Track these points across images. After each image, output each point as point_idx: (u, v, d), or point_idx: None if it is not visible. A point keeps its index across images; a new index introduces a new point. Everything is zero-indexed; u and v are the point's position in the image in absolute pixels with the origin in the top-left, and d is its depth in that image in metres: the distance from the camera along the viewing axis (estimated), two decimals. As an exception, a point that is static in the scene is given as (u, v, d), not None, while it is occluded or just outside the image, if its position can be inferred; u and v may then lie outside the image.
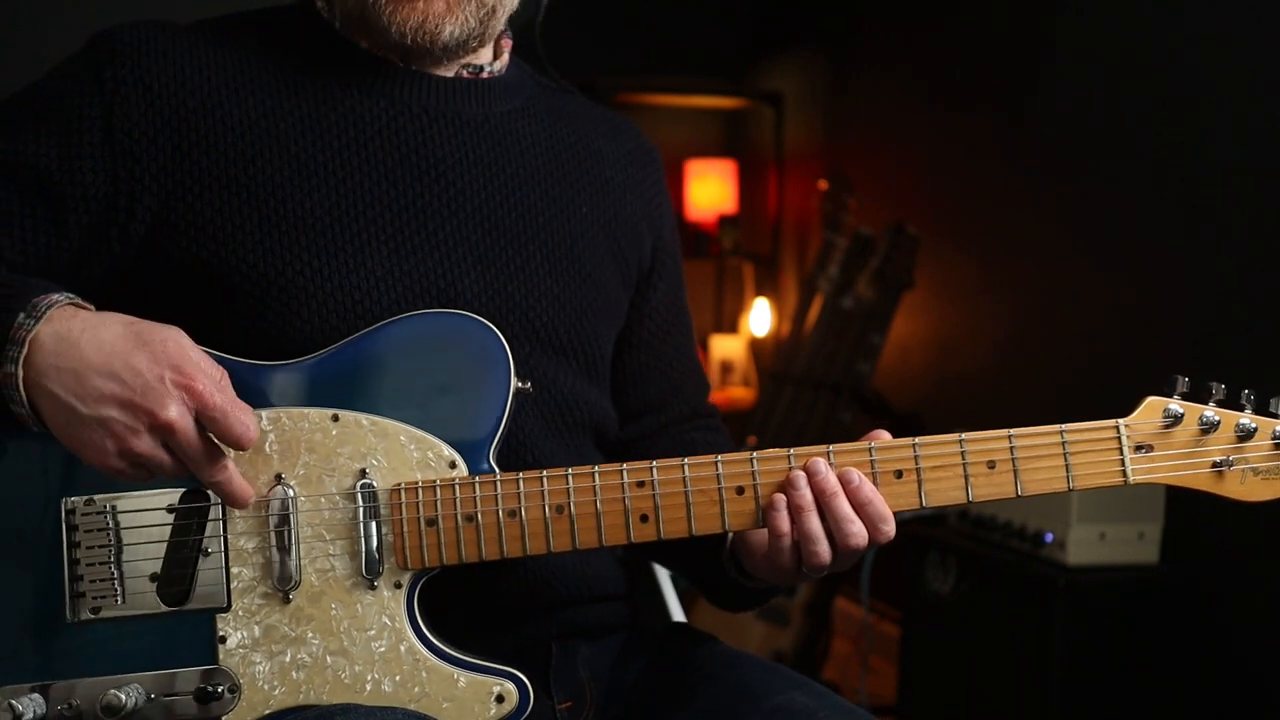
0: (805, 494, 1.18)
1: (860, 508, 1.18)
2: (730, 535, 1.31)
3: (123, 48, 1.26)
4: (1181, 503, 2.65)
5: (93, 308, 1.15)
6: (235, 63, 1.30)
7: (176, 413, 1.08)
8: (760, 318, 4.74)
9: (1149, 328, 2.94)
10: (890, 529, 1.19)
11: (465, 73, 1.37)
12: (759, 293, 4.82)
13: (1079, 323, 3.20)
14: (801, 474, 1.19)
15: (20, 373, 1.09)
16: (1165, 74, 2.94)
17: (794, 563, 1.20)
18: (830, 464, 1.19)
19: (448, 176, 1.32)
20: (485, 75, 1.39)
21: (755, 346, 4.81)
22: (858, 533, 1.18)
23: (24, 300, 1.11)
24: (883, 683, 3.47)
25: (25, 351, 1.09)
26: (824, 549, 1.18)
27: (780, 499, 1.19)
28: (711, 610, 3.37)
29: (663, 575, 1.78)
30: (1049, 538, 2.67)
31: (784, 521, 1.18)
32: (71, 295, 1.15)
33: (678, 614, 1.78)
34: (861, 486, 1.18)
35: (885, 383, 3.79)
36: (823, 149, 4.46)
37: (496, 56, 1.42)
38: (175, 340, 1.11)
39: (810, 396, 3.71)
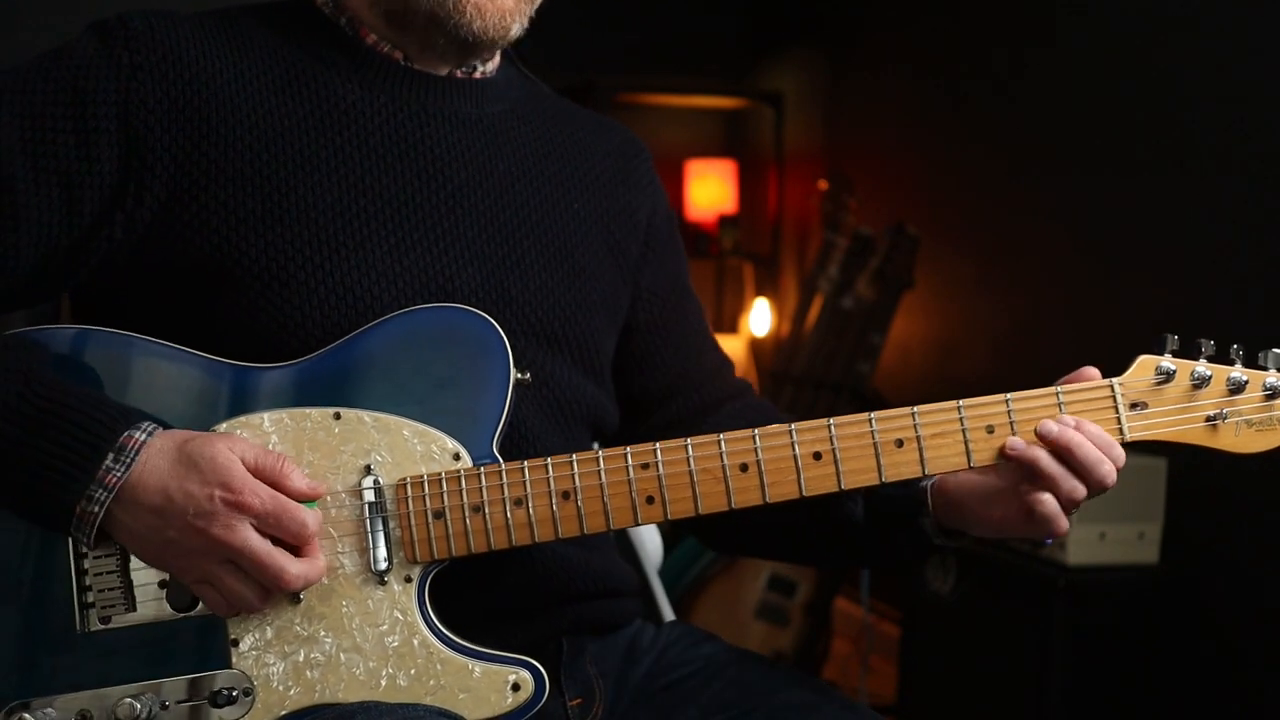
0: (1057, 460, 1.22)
1: (1106, 449, 1.22)
2: (929, 496, 1.32)
3: (138, 33, 1.24)
4: (1181, 503, 2.66)
5: (160, 428, 1.12)
6: (241, 55, 1.29)
7: (221, 529, 1.08)
8: (760, 318, 4.73)
9: (1148, 327, 2.94)
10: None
11: (459, 73, 1.38)
12: (759, 293, 4.81)
13: (1078, 323, 3.20)
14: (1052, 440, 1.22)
15: (101, 514, 1.09)
16: (1165, 74, 2.94)
17: (1023, 517, 1.24)
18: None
19: (445, 173, 1.33)
20: (478, 75, 1.39)
21: (755, 346, 4.81)
22: (1109, 472, 1.22)
23: (111, 438, 1.10)
24: (883, 683, 3.47)
25: (112, 498, 1.09)
26: (1082, 490, 1.23)
27: (1043, 455, 1.21)
28: (712, 610, 3.40)
29: (652, 576, 1.79)
30: (1049, 538, 2.66)
31: (1055, 466, 1.21)
32: (153, 423, 1.12)
33: (668, 615, 1.79)
34: (1094, 432, 1.22)
35: (885, 383, 3.79)
36: (823, 149, 4.46)
37: (489, 58, 1.42)
38: (224, 454, 1.10)
39: (810, 396, 3.72)
